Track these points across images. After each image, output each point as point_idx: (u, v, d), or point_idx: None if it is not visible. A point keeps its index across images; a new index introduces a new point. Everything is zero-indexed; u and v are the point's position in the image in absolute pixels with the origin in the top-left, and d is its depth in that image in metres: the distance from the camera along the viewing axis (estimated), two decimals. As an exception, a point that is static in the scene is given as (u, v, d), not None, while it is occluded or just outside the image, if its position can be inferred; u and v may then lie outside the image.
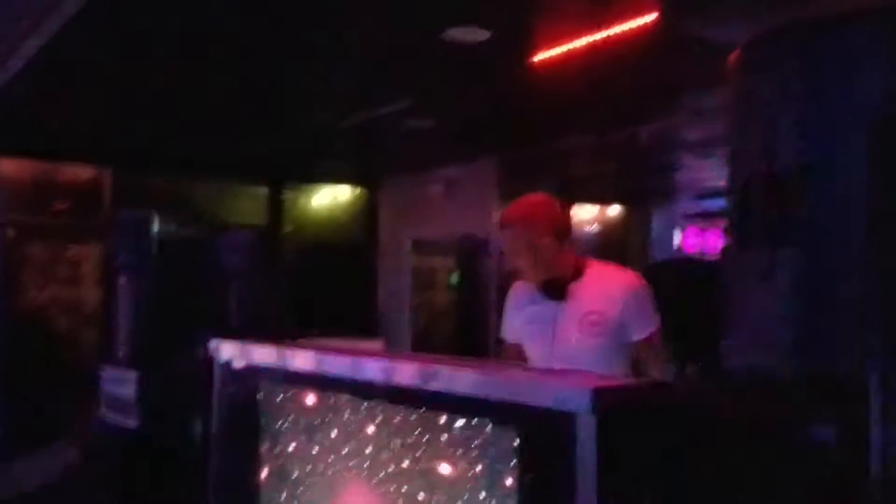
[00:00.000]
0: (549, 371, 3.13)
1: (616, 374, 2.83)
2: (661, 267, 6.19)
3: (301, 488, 3.15)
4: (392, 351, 5.16)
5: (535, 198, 2.93)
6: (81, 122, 5.35)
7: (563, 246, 2.84)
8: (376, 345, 3.75)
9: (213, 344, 3.74)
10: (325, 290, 6.50)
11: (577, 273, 2.83)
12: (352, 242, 7.13)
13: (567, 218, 2.96)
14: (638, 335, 2.76)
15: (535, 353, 3.01)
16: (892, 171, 1.46)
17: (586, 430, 1.94)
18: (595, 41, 3.62)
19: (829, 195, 1.90)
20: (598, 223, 7.62)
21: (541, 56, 3.83)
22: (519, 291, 3.08)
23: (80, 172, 6.52)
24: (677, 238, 8.38)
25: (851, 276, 1.72)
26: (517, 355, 3.13)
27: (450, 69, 4.07)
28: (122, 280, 4.64)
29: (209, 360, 3.66)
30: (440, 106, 4.71)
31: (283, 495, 3.30)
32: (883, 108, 1.51)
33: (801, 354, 1.87)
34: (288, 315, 5.54)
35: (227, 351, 3.72)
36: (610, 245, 7.32)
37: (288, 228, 6.99)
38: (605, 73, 4.02)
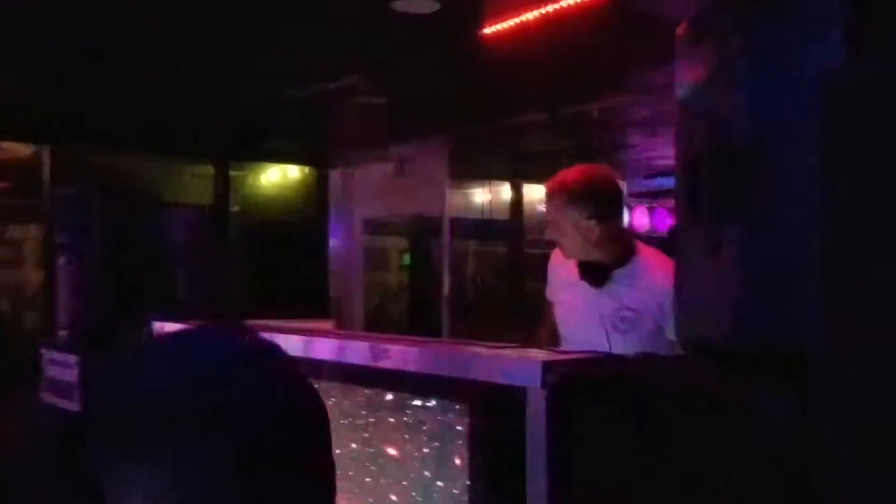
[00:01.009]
0: (500, 346, 3.11)
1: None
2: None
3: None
4: (342, 331, 5.11)
5: (588, 170, 2.61)
6: (18, 98, 5.16)
7: (611, 228, 2.56)
8: (326, 325, 3.70)
9: (156, 325, 3.65)
10: (275, 270, 6.41)
11: (622, 260, 2.59)
12: (302, 222, 7.03)
13: (618, 197, 2.66)
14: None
15: (568, 336, 2.79)
16: (840, 145, 1.45)
17: (536, 404, 1.93)
18: (546, 14, 3.59)
19: (775, 170, 1.90)
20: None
21: (491, 29, 3.79)
22: (558, 262, 2.82)
23: (18, 150, 6.31)
24: (627, 216, 8.46)
25: (796, 250, 1.72)
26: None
27: (399, 42, 4.01)
28: (61, 260, 4.49)
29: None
30: (390, 81, 4.65)
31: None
32: (831, 79, 1.49)
33: (748, 328, 1.87)
34: (237, 296, 5.45)
35: (171, 331, 3.63)
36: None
37: (235, 208, 6.87)
38: (556, 48, 3.99)
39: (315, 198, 7.06)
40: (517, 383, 1.98)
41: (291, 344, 2.83)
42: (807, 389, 1.42)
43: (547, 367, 1.98)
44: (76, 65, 4.50)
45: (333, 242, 6.80)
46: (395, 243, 7.24)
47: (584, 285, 2.63)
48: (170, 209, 4.33)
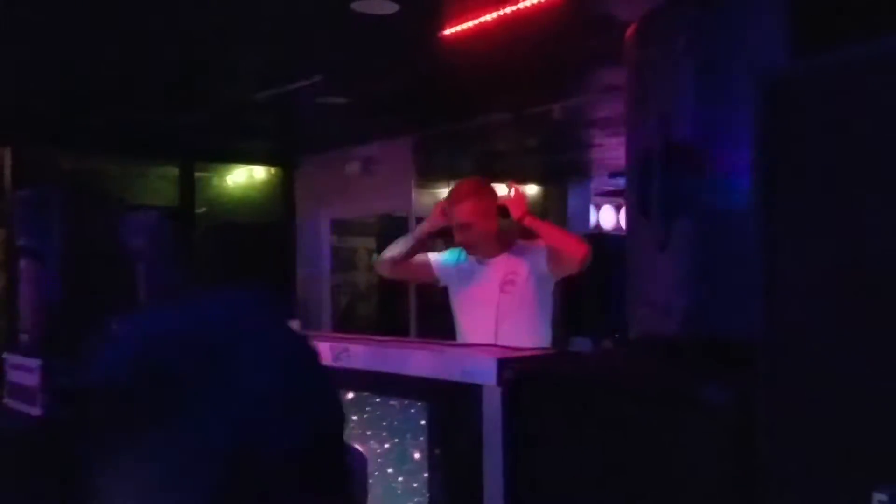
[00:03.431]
0: (457, 345, 3.19)
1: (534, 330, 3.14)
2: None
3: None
4: (307, 331, 5.10)
5: (482, 180, 3.32)
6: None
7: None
8: (292, 325, 3.69)
9: (118, 327, 3.64)
10: (242, 271, 6.37)
11: (507, 244, 3.25)
12: (268, 223, 7.01)
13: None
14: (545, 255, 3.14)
15: (468, 317, 3.35)
16: (780, 141, 1.49)
17: (492, 400, 1.97)
18: (504, 15, 3.63)
19: (724, 165, 1.94)
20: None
21: (451, 30, 3.82)
22: (458, 257, 3.41)
23: (-21, 151, 6.21)
24: (594, 215, 8.54)
25: (739, 245, 1.76)
26: (420, 265, 3.41)
27: (360, 43, 4.02)
28: (23, 263, 4.44)
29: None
30: (353, 82, 4.66)
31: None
32: (771, 76, 1.53)
33: (696, 321, 1.92)
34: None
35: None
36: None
37: (201, 209, 6.82)
38: (516, 48, 4.04)
39: (281, 198, 7.05)
40: (474, 381, 2.03)
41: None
42: (750, 381, 1.45)
43: (502, 364, 2.03)
44: (39, 65, 4.45)
45: (300, 243, 6.79)
46: (363, 243, 7.24)
47: (477, 269, 3.26)
48: (131, 211, 4.28)
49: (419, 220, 6.01)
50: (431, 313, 5.41)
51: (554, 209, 7.77)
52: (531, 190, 7.80)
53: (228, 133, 6.19)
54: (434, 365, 2.15)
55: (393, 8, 3.54)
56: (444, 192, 6.32)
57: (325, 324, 6.48)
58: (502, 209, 3.23)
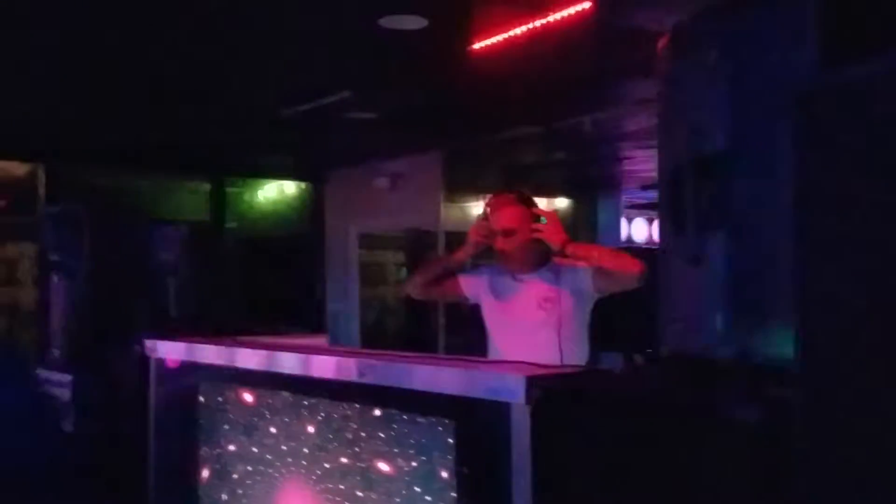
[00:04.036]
0: (485, 362, 3.13)
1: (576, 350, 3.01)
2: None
3: (240, 489, 3.07)
4: (335, 347, 5.09)
5: (522, 191, 3.16)
6: (12, 116, 5.16)
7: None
8: (319, 340, 3.68)
9: (148, 342, 3.62)
10: (272, 286, 6.40)
11: (538, 265, 3.09)
12: (298, 237, 7.03)
13: None
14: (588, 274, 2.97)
15: (501, 332, 3.22)
16: (812, 151, 1.44)
17: (520, 419, 1.92)
18: (533, 29, 3.60)
19: (756, 178, 1.90)
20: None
21: (480, 44, 3.80)
22: (489, 273, 3.32)
23: (14, 168, 6.31)
24: (625, 229, 8.45)
25: (777, 259, 1.72)
26: (451, 288, 3.33)
27: (388, 59, 4.02)
28: (54, 279, 4.50)
29: (145, 359, 3.55)
30: (382, 97, 4.66)
31: (224, 495, 3.21)
32: (804, 87, 1.49)
33: (729, 338, 1.87)
34: (233, 311, 5.43)
35: (162, 349, 3.60)
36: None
37: (232, 224, 6.87)
38: (545, 62, 4.01)
39: (310, 213, 7.07)
40: (501, 399, 1.98)
41: (280, 360, 2.82)
42: (783, 400, 1.41)
43: (531, 382, 1.97)
44: (71, 83, 4.51)
45: (329, 257, 6.79)
46: (392, 258, 7.24)
47: (513, 285, 3.15)
48: (161, 226, 4.33)
49: (447, 234, 6.01)
50: (460, 328, 5.38)
51: (583, 222, 7.71)
52: (560, 203, 7.75)
53: (258, 148, 6.23)
54: (461, 382, 2.10)
55: (421, 23, 3.54)
56: (472, 206, 6.31)
57: (354, 338, 6.47)
58: (540, 242, 3.16)
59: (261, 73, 4.31)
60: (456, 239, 6.19)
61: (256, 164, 6.75)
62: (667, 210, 2.14)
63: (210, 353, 3.27)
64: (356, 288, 6.67)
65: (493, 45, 3.80)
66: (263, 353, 2.99)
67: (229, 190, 6.95)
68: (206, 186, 6.68)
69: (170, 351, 3.54)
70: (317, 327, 6.38)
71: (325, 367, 2.66)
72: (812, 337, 1.36)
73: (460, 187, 5.96)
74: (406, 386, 2.27)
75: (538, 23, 3.56)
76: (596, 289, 3.10)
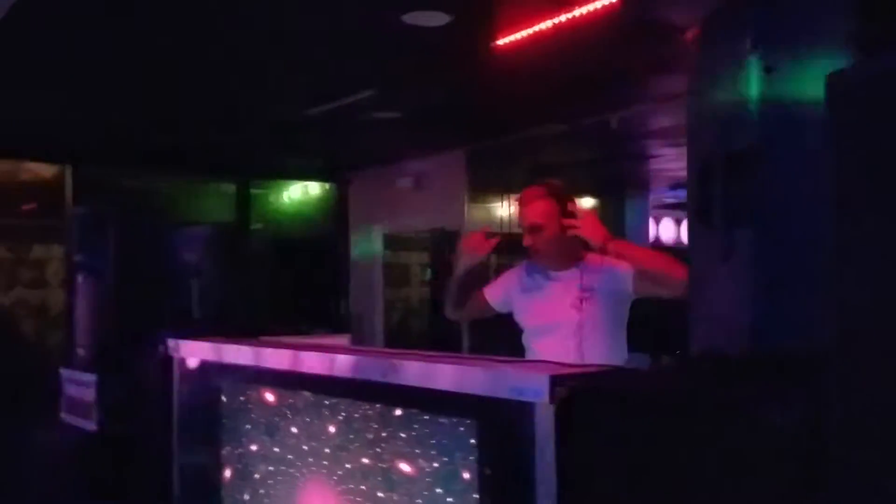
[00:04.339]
0: (508, 361, 3.08)
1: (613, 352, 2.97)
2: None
3: (263, 489, 3.05)
4: (355, 346, 5.07)
5: (554, 181, 3.14)
6: (40, 119, 5.21)
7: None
8: (342, 340, 3.66)
9: (171, 343, 3.62)
10: (296, 287, 6.40)
11: (573, 261, 3.05)
12: (322, 238, 7.03)
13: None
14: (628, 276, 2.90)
15: (535, 330, 3.17)
16: (847, 143, 1.37)
17: (545, 418, 1.87)
18: (559, 24, 3.54)
19: (788, 172, 1.83)
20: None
21: (504, 40, 3.75)
22: (523, 272, 3.26)
23: (42, 170, 6.38)
24: (652, 229, 8.35)
25: (809, 254, 1.65)
26: (477, 304, 3.31)
27: (411, 56, 3.98)
28: (79, 280, 4.53)
29: (168, 360, 3.55)
30: (405, 96, 4.63)
31: (247, 495, 3.19)
32: (838, 79, 1.42)
33: (761, 335, 1.80)
34: (257, 312, 5.43)
35: (185, 350, 3.60)
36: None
37: (257, 225, 6.88)
38: (571, 57, 3.94)
39: (335, 214, 7.06)
40: (525, 398, 1.93)
41: (301, 360, 2.80)
42: (815, 401, 1.35)
43: (555, 381, 1.93)
44: (98, 86, 4.53)
45: (353, 258, 6.78)
46: (417, 258, 7.21)
47: (547, 282, 3.09)
48: (185, 227, 4.34)
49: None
50: (484, 329, 5.32)
51: (611, 222, 7.63)
52: (587, 202, 7.67)
53: (282, 150, 6.23)
54: (484, 382, 2.08)
55: (445, 19, 3.49)
56: (496, 205, 6.26)
57: (378, 339, 6.45)
58: (579, 239, 2.99)
59: (283, 73, 4.29)
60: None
61: (281, 165, 6.76)
62: (695, 205, 2.08)
63: (232, 353, 3.26)
64: (380, 289, 6.64)
65: (518, 40, 3.74)
66: (284, 352, 2.97)
67: (254, 191, 6.97)
68: (231, 188, 6.70)
69: (192, 351, 3.54)
70: (341, 328, 6.36)
71: (346, 366, 2.64)
72: (847, 334, 1.30)
73: (485, 187, 5.91)
74: (428, 385, 2.24)
75: (563, 18, 3.50)
76: (636, 290, 2.94)
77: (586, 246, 3.13)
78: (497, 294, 3.33)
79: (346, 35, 3.71)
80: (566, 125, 5.25)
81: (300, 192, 7.30)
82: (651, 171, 6.97)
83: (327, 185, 7.17)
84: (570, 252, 3.07)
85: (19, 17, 3.33)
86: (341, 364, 2.67)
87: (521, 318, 3.26)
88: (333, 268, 6.81)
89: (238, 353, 3.21)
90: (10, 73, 4.21)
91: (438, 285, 6.54)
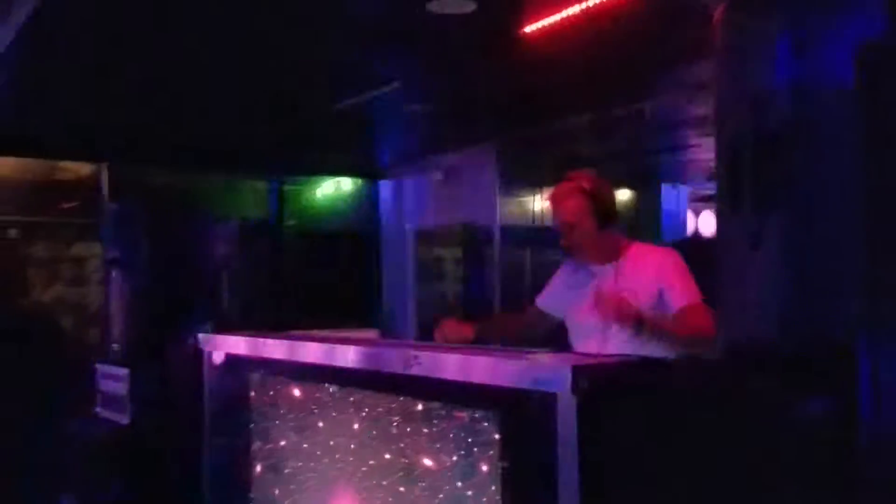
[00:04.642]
0: (530, 351, 3.02)
1: (652, 352, 2.75)
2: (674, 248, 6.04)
3: (292, 483, 3.05)
4: (380, 339, 5.05)
5: (588, 174, 3.05)
6: (74, 118, 5.27)
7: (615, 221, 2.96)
8: (370, 334, 3.64)
9: (201, 337, 3.63)
10: (329, 282, 6.40)
11: (619, 250, 2.93)
12: (355, 234, 7.03)
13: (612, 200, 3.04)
14: (674, 307, 2.79)
15: (577, 329, 3.08)
16: (880, 116, 1.29)
17: (567, 411, 1.82)
18: (588, 8, 3.46)
19: (821, 152, 1.74)
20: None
21: (532, 27, 3.68)
22: (568, 269, 3.17)
23: (80, 169, 6.47)
24: (691, 221, 8.20)
25: (841, 240, 1.56)
26: (535, 319, 3.22)
27: (437, 46, 3.93)
28: (113, 275, 4.57)
29: (198, 354, 3.56)
30: (432, 87, 4.58)
31: (276, 489, 3.19)
32: (870, 50, 1.34)
33: (791, 325, 1.71)
34: (289, 308, 5.44)
35: (214, 344, 3.61)
36: (622, 230, 7.14)
37: (290, 222, 6.91)
38: (601, 44, 3.86)
39: (368, 209, 7.06)
40: (547, 389, 1.89)
41: (326, 353, 2.78)
42: (848, 393, 1.28)
43: (577, 371, 1.87)
44: (132, 84, 4.55)
45: (386, 254, 6.77)
46: (451, 253, 7.17)
47: (587, 279, 2.96)
48: (218, 223, 4.36)
49: (503, 228, 5.89)
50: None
51: (647, 215, 7.50)
52: (623, 195, 7.54)
53: (315, 146, 6.24)
54: (506, 372, 2.05)
55: (471, 6, 3.44)
56: (528, 199, 6.20)
57: (410, 335, 6.42)
58: (606, 212, 2.93)
59: (308, 67, 4.27)
60: (512, 233, 6.10)
61: (313, 162, 6.77)
62: (724, 190, 2.00)
63: (258, 347, 3.27)
64: (413, 284, 6.61)
65: (546, 27, 3.67)
66: (307, 345, 2.96)
67: (288, 188, 6.99)
68: (265, 185, 6.73)
69: (222, 345, 3.55)
70: (374, 324, 6.35)
71: (367, 359, 2.62)
72: (880, 324, 1.22)
73: (516, 180, 5.84)
74: (449, 377, 2.22)
75: (592, 2, 3.42)
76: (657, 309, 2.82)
77: (628, 237, 3.06)
78: (546, 300, 3.23)
79: (371, 24, 3.68)
80: (598, 115, 5.16)
81: (333, 188, 7.31)
82: (688, 161, 6.83)
83: (360, 181, 7.16)
84: (609, 246, 2.96)
85: (51, 18, 3.36)
86: (362, 356, 2.65)
87: (565, 317, 3.17)
88: (366, 263, 6.81)
89: (264, 347, 3.22)
90: (44, 72, 4.26)
91: (471, 280, 6.50)
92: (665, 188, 7.53)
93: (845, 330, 1.45)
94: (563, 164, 5.92)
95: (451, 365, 2.22)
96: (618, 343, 2.83)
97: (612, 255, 2.94)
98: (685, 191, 7.78)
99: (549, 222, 6.20)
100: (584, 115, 5.22)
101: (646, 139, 5.89)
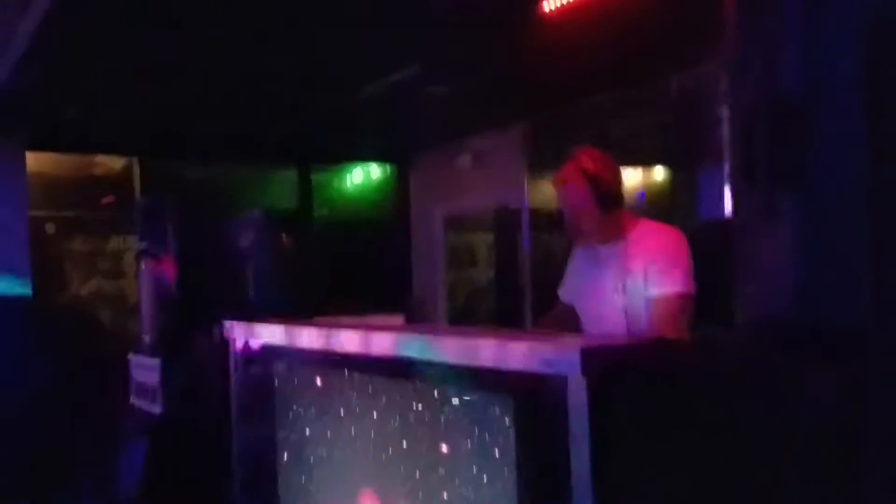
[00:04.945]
0: (542, 334, 2.97)
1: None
2: (709, 227, 5.89)
3: (315, 471, 3.05)
4: (403, 325, 5.02)
5: (591, 152, 2.90)
6: (105, 112, 5.32)
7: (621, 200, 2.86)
8: (395, 320, 3.62)
9: (227, 326, 3.65)
10: (360, 270, 6.40)
11: (625, 230, 2.84)
12: (385, 221, 7.01)
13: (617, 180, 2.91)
14: (649, 293, 2.65)
15: (586, 314, 3.00)
16: (888, 87, 1.22)
17: (578, 394, 1.78)
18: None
19: (836, 123, 1.67)
20: (643, 187, 7.30)
21: (552, 3, 3.60)
22: (579, 252, 3.09)
23: (113, 164, 6.56)
24: (730, 201, 7.99)
25: (859, 216, 1.50)
26: (565, 315, 3.10)
27: (456, 27, 3.85)
28: (143, 267, 4.62)
29: (225, 343, 3.57)
30: (454, 70, 4.51)
31: (302, 477, 3.20)
32: (880, 20, 1.27)
33: (806, 303, 1.65)
34: (319, 296, 5.45)
35: (238, 332, 3.62)
36: (657, 210, 6.99)
37: (319, 211, 6.92)
38: (626, 15, 3.73)
39: (397, 196, 7.03)
40: (557, 372, 1.86)
41: (340, 340, 2.77)
42: (859, 375, 1.22)
43: (587, 354, 1.83)
44: (161, 79, 4.57)
45: (416, 240, 6.74)
46: (482, 238, 7.12)
47: (596, 260, 2.89)
48: (246, 213, 4.37)
49: (532, 212, 5.80)
50: (548, 308, 5.20)
51: (682, 195, 7.33)
52: (658, 175, 7.38)
53: (342, 134, 6.22)
54: (516, 356, 2.02)
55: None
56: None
57: (442, 320, 6.39)
58: (610, 194, 2.81)
59: (327, 52, 4.23)
60: (542, 216, 6.00)
61: (341, 149, 6.76)
62: (739, 160, 1.94)
63: (281, 335, 3.27)
64: (443, 270, 6.58)
65: (567, 3, 3.58)
66: (324, 332, 2.95)
67: (317, 177, 7.00)
68: (294, 175, 6.75)
69: (244, 333, 3.57)
70: (404, 311, 6.35)
71: (381, 343, 2.60)
72: (886, 304, 1.16)
73: (545, 162, 5.74)
74: (463, 361, 2.20)
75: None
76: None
77: (635, 215, 2.97)
78: (565, 292, 3.13)
79: (389, 5, 3.62)
80: (628, 91, 5.03)
81: (362, 176, 7.30)
82: (724, 138, 6.65)
83: (389, 168, 7.14)
84: (615, 226, 2.85)
85: (81, 15, 3.38)
86: (376, 341, 2.63)
87: (576, 305, 3.08)
88: (396, 250, 6.79)
89: (285, 335, 3.22)
90: (76, 68, 4.28)
91: (502, 265, 6.43)
92: (701, 166, 7.35)
93: (852, 311, 1.38)
94: (594, 144, 5.82)
95: (463, 349, 2.20)
96: (628, 328, 2.74)
97: (618, 234, 2.85)
98: (723, 170, 7.59)
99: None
100: (612, 92, 5.10)
101: (680, 115, 5.74)
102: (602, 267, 2.89)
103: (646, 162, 6.99)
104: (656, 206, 7.02)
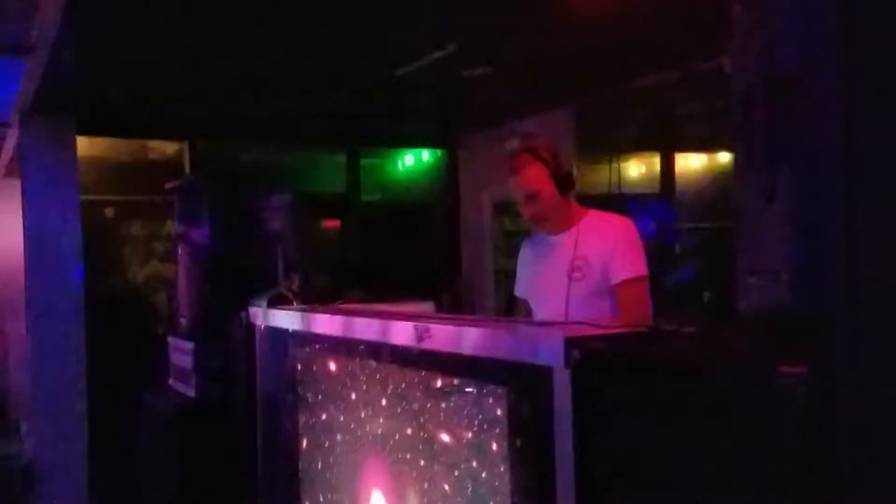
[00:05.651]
0: (531, 323, 2.88)
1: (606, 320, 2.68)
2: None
3: (331, 456, 3.06)
4: (418, 312, 4.97)
5: (540, 138, 3.02)
6: (156, 96, 5.37)
7: (567, 191, 2.92)
8: (424, 307, 3.58)
9: (252, 311, 3.66)
10: (407, 255, 6.36)
11: (576, 217, 2.91)
12: (435, 206, 6.94)
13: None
14: (616, 278, 2.77)
15: (539, 303, 3.05)
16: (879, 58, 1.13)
17: (562, 383, 1.77)
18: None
19: (835, 101, 1.57)
20: (709, 173, 7.01)
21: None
22: (527, 246, 3.17)
23: (167, 148, 6.68)
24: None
25: (836, 196, 1.40)
26: (525, 311, 3.17)
27: (497, 4, 3.69)
28: (179, 250, 4.68)
29: (251, 328, 3.58)
30: (493, 48, 4.36)
31: (319, 462, 3.21)
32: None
33: (803, 286, 1.56)
34: (362, 281, 5.44)
35: (262, 318, 3.63)
36: (727, 199, 6.68)
37: (370, 195, 6.90)
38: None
39: (446, 180, 6.94)
40: (542, 361, 1.86)
41: (354, 327, 2.77)
42: (829, 361, 1.16)
43: (570, 344, 1.79)
44: (210, 60, 4.57)
45: (464, 225, 6.65)
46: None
47: (546, 249, 2.97)
48: (282, 195, 4.36)
49: (580, 197, 5.56)
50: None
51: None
52: (722, 158, 7.06)
53: (391, 118, 6.16)
54: (506, 343, 2.04)
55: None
56: (607, 165, 5.88)
57: (489, 307, 6.29)
58: (566, 178, 2.87)
59: (365, 31, 4.13)
60: (590, 200, 5.76)
61: (390, 132, 6.71)
62: (739, 138, 1.83)
63: (300, 321, 3.26)
64: (491, 255, 6.47)
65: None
66: (339, 319, 2.93)
67: (368, 161, 6.98)
68: (343, 158, 6.74)
69: (267, 319, 3.57)
70: (457, 298, 6.28)
71: (380, 331, 2.59)
72: (858, 285, 1.06)
73: (594, 145, 5.56)
74: (456, 350, 2.21)
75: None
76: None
77: (585, 203, 3.03)
78: (518, 288, 3.17)
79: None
80: (679, 72, 4.81)
81: (411, 160, 7.25)
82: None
83: (437, 152, 7.06)
84: (568, 214, 2.92)
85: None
86: (376, 328, 2.60)
87: (530, 299, 3.10)
88: (445, 235, 6.73)
89: (305, 321, 3.21)
90: (126, 50, 4.30)
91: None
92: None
93: (829, 296, 1.27)
94: (647, 126, 5.61)
95: (456, 338, 2.19)
96: (576, 307, 2.79)
97: (570, 223, 2.92)
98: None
99: (627, 190, 5.89)
100: (663, 73, 4.88)
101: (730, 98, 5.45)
102: (554, 255, 2.93)
103: (698, 147, 6.69)
104: (728, 195, 6.72)
